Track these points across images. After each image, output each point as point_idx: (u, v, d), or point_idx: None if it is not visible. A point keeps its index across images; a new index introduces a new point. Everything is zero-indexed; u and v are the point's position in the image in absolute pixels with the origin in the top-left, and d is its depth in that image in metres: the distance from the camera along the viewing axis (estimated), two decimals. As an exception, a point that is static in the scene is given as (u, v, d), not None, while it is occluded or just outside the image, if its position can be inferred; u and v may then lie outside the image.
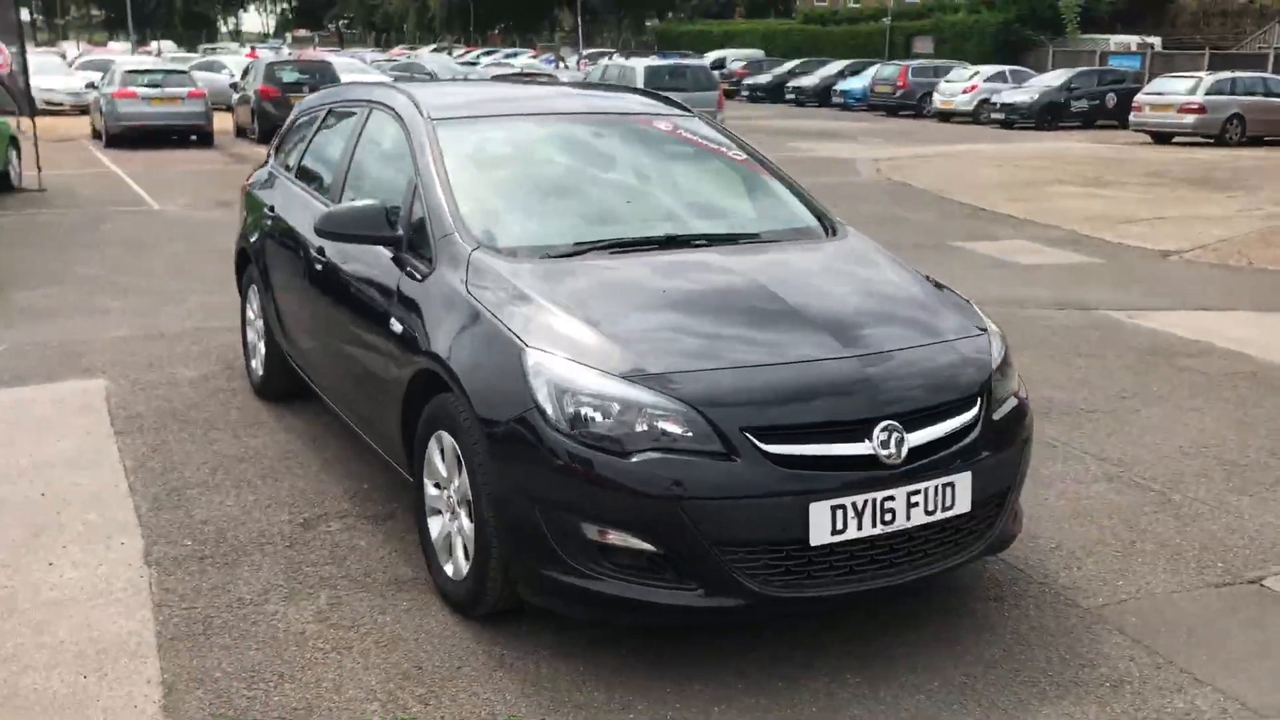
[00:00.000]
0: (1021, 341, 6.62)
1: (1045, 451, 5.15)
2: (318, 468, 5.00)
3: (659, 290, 3.69)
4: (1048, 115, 28.39)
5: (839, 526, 3.19)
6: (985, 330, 3.81)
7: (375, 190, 4.52)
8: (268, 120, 22.28)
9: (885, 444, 3.25)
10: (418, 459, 3.81)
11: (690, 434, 3.15)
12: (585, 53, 50.12)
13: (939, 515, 3.35)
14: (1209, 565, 4.17)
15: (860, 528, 3.22)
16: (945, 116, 31.63)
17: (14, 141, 14.49)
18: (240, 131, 23.21)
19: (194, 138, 21.60)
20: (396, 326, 3.90)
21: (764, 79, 40.75)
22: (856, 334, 3.53)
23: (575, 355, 3.30)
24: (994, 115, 29.05)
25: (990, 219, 13.12)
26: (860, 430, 3.25)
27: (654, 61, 24.86)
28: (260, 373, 5.85)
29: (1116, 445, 5.40)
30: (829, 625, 3.62)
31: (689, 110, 5.01)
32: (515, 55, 50.85)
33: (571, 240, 4.00)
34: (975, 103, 30.71)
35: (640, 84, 19.86)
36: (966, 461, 3.40)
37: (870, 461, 3.23)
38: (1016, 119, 28.49)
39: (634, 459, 3.13)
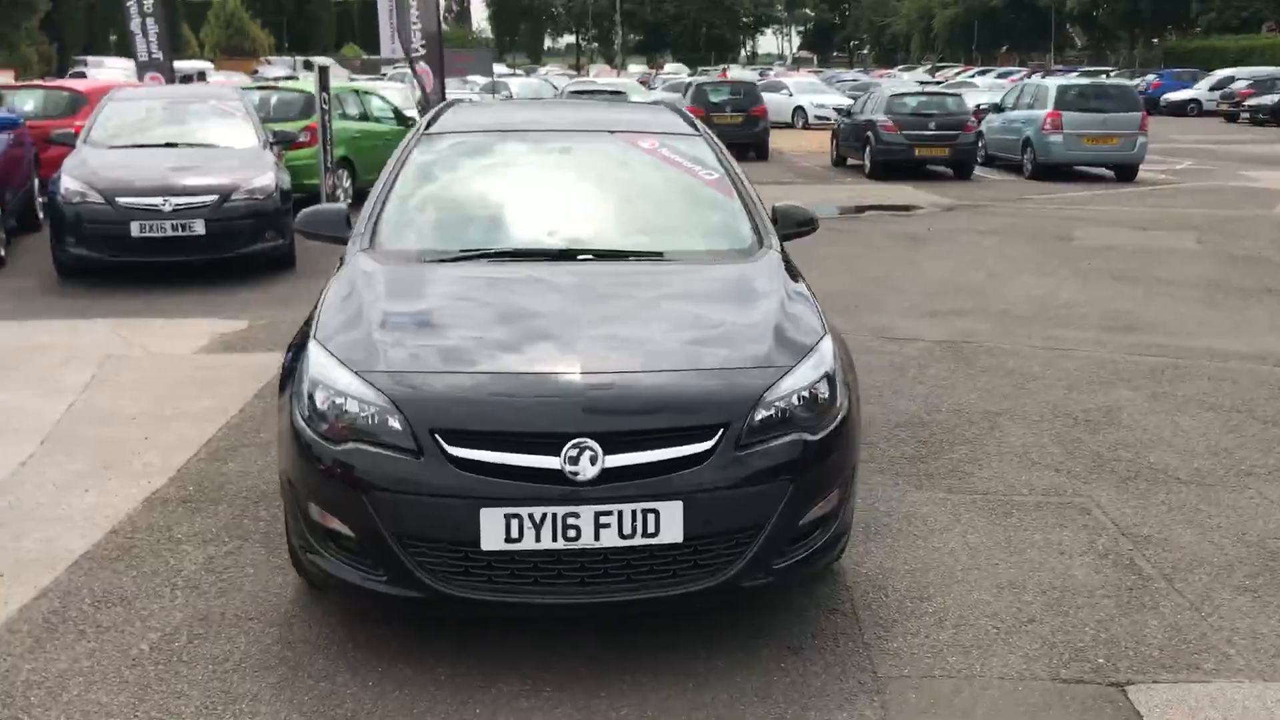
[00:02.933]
0: None
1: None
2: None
3: (472, 297, 3.92)
4: None
5: (513, 535, 3.25)
6: (787, 369, 3.60)
7: None
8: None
9: (575, 461, 3.26)
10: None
11: (387, 431, 3.36)
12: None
13: (639, 541, 3.29)
14: (1080, 660, 3.63)
15: (539, 540, 3.26)
16: None
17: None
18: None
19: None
20: None
21: (1269, 100, 36.44)
22: (609, 355, 3.55)
23: (341, 349, 3.62)
24: None
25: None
26: (553, 445, 3.28)
27: (1069, 81, 23.26)
28: None
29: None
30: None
31: (696, 130, 5.04)
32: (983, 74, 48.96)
33: (459, 248, 4.29)
34: None
35: (1050, 104, 18.79)
36: (680, 492, 3.30)
37: (557, 476, 3.26)
38: None
39: (339, 448, 3.40)
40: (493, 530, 3.26)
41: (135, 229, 9.27)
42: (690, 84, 25.85)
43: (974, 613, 3.93)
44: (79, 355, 7.25)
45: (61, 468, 5.33)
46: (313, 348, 3.67)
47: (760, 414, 3.46)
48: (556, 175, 4.81)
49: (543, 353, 3.57)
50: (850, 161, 20.82)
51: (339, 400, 3.46)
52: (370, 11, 64.89)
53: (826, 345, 3.78)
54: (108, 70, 38.12)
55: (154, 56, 21.97)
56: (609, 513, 3.26)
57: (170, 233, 9.31)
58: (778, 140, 27.81)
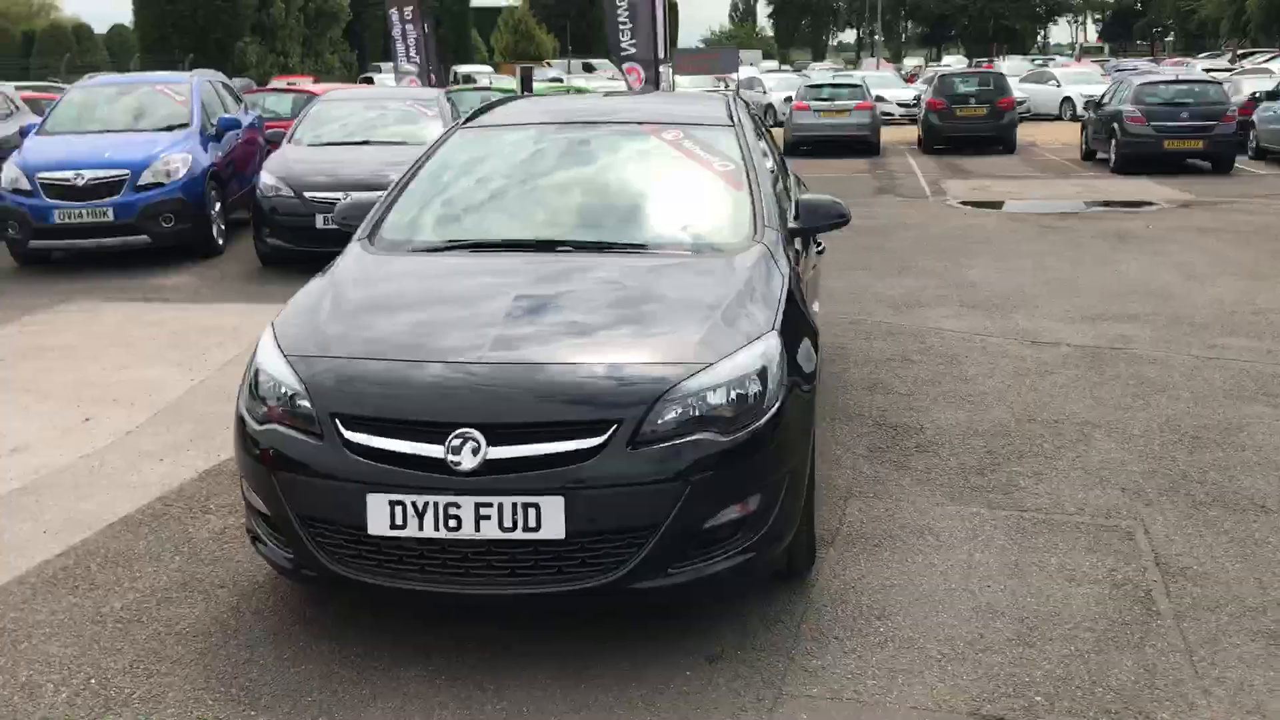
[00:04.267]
0: None
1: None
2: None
3: (423, 287, 3.99)
4: None
5: (398, 521, 3.29)
6: (704, 366, 3.46)
7: None
8: (932, 133, 22.88)
9: (457, 451, 3.26)
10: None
11: (298, 413, 3.48)
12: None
13: (520, 535, 3.25)
14: (1015, 697, 3.30)
15: (422, 528, 3.28)
16: None
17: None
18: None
19: (863, 147, 22.80)
20: None
21: None
22: (524, 344, 3.53)
23: (287, 333, 3.78)
24: None
25: None
26: (438, 434, 3.30)
27: None
28: None
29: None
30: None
31: (731, 122, 4.91)
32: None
33: (448, 239, 4.37)
34: None
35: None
36: (561, 487, 3.24)
37: (439, 465, 3.28)
38: None
39: (260, 429, 3.55)
40: (379, 515, 3.31)
41: (319, 221, 9.89)
42: (936, 76, 24.96)
43: (927, 636, 3.65)
44: (234, 337, 7.83)
45: (157, 438, 5.79)
46: (265, 332, 3.84)
47: (662, 411, 3.35)
48: (566, 168, 4.81)
49: (454, 341, 3.59)
50: (1099, 155, 19.53)
51: (269, 383, 3.61)
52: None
53: (763, 345, 3.61)
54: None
55: (413, 59, 23.37)
56: (489, 505, 3.25)
57: (346, 225, 9.88)
58: (1036, 132, 26.50)
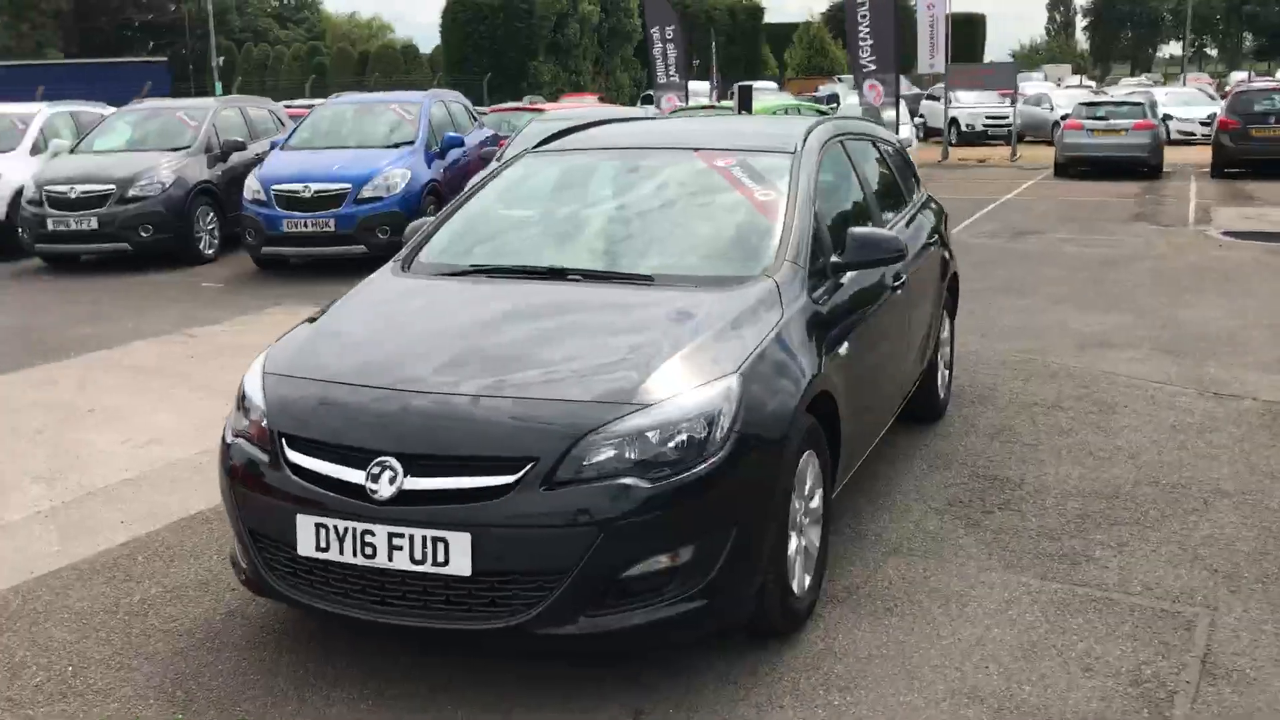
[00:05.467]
0: None
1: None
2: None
3: (415, 311, 4.02)
4: None
5: (323, 544, 3.33)
6: (640, 408, 3.29)
7: None
8: (1222, 155, 21.01)
9: (376, 479, 3.26)
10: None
11: (259, 431, 3.59)
12: None
13: (429, 568, 3.21)
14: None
15: (343, 553, 3.31)
16: None
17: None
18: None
19: (1143, 170, 21.24)
20: None
21: None
22: (467, 375, 3.48)
23: (277, 351, 3.92)
24: None
25: None
26: (361, 460, 3.31)
27: None
28: None
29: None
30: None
31: (792, 150, 4.66)
32: None
33: (470, 263, 4.38)
34: None
35: None
36: (469, 524, 3.18)
37: (359, 492, 3.29)
38: None
39: (231, 442, 3.69)
40: (307, 537, 3.36)
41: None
42: (1232, 92, 22.86)
43: (881, 718, 3.32)
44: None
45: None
46: (263, 352, 3.99)
47: (586, 451, 3.22)
48: (606, 196, 4.73)
49: (404, 369, 3.58)
50: None
51: (244, 400, 3.74)
52: (964, 28, 64.41)
53: (718, 388, 3.40)
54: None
55: (671, 78, 23.73)
56: (401, 536, 3.23)
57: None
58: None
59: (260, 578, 3.54)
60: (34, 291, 11.31)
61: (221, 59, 48.40)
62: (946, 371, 6.41)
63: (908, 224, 5.58)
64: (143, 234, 12.08)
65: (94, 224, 12.02)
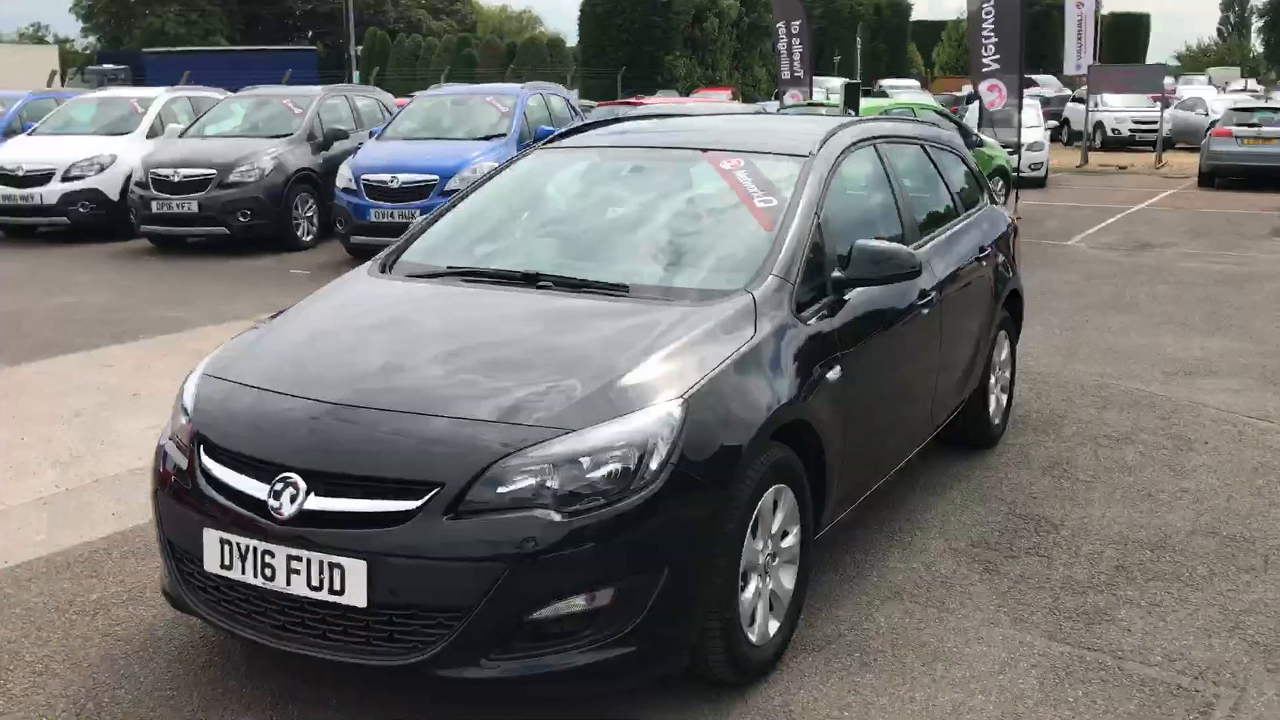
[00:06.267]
0: None
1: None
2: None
3: (366, 315, 3.79)
4: None
5: (226, 561, 3.14)
6: (562, 433, 3.00)
7: None
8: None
9: (278, 495, 3.05)
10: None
11: (182, 434, 3.42)
12: None
13: (325, 596, 2.99)
14: None
15: (244, 572, 3.10)
16: None
17: (1003, 172, 15.62)
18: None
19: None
20: None
21: None
22: (391, 388, 3.24)
23: (220, 351, 3.76)
24: None
25: None
26: (267, 474, 3.10)
27: None
28: None
29: None
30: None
31: (806, 154, 4.28)
32: None
33: (447, 264, 4.14)
34: None
35: None
36: (366, 551, 2.93)
37: (262, 508, 3.08)
38: None
39: (162, 446, 3.53)
40: (212, 552, 3.17)
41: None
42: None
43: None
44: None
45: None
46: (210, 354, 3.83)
47: (497, 478, 2.95)
48: (601, 197, 4.44)
49: (330, 377, 3.35)
50: None
51: (180, 401, 3.58)
52: (1125, 28, 61.75)
53: (655, 415, 3.08)
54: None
55: (795, 75, 23.18)
56: (299, 558, 3.01)
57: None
58: None
59: (177, 591, 3.37)
60: (128, 272, 11.56)
61: (359, 48, 49.51)
62: (1004, 396, 5.92)
63: (952, 237, 5.13)
64: (240, 218, 12.27)
65: (194, 207, 12.25)
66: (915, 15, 61.36)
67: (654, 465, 3.03)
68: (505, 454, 2.97)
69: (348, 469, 3.04)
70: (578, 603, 2.96)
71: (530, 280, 3.88)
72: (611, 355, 3.31)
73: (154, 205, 12.35)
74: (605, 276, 3.87)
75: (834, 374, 3.75)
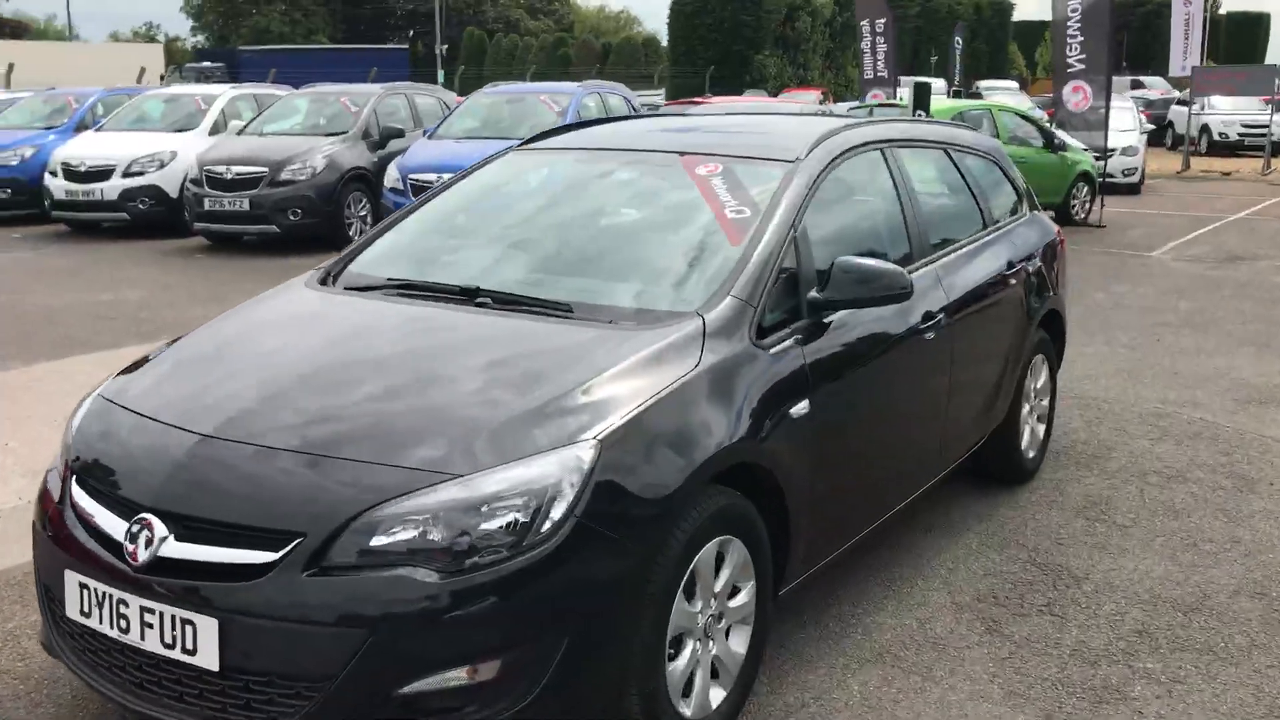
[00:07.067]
0: None
1: None
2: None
3: (277, 331, 3.45)
4: None
5: (85, 608, 2.81)
6: (448, 479, 2.61)
7: None
8: None
9: (134, 538, 2.71)
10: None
11: (60, 465, 3.11)
12: None
13: (178, 655, 2.64)
14: None
15: (101, 621, 2.78)
16: None
17: (1087, 178, 14.86)
18: None
19: None
20: None
21: None
22: (269, 422, 2.87)
23: (122, 373, 3.45)
24: None
25: None
26: (130, 513, 2.76)
27: None
28: None
29: None
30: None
31: (792, 159, 3.82)
32: None
33: (387, 276, 3.77)
34: None
35: None
36: (219, 608, 2.58)
37: (119, 551, 2.74)
38: None
39: (47, 472, 3.22)
40: (73, 596, 2.85)
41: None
42: None
43: None
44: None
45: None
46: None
47: (365, 530, 2.57)
48: (563, 204, 4.05)
49: (212, 403, 3.00)
50: None
51: (67, 426, 3.28)
52: (1243, 28, 59.28)
53: (562, 458, 2.67)
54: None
55: (879, 74, 22.51)
56: (153, 611, 2.67)
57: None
58: None
59: (48, 636, 3.05)
60: (176, 269, 11.49)
61: (445, 46, 49.80)
62: (1040, 427, 5.37)
63: (974, 251, 4.62)
64: (291, 217, 12.14)
65: (246, 205, 12.15)
66: (1018, 15, 59.70)
67: (556, 516, 2.63)
68: (378, 501, 2.59)
69: (207, 512, 2.69)
70: (458, 676, 2.57)
71: (470, 296, 3.49)
72: (526, 387, 2.91)
73: (206, 202, 12.28)
74: (551, 293, 3.47)
75: (799, 409, 3.30)
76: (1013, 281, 4.84)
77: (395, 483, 2.62)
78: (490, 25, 79.53)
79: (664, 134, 4.50)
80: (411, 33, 78.18)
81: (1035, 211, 5.51)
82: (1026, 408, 5.16)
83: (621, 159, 4.14)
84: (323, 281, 3.86)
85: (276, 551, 2.58)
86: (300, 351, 3.26)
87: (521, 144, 4.51)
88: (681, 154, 3.99)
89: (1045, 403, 5.42)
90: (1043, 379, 5.35)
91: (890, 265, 3.56)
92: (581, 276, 3.59)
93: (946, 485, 4.72)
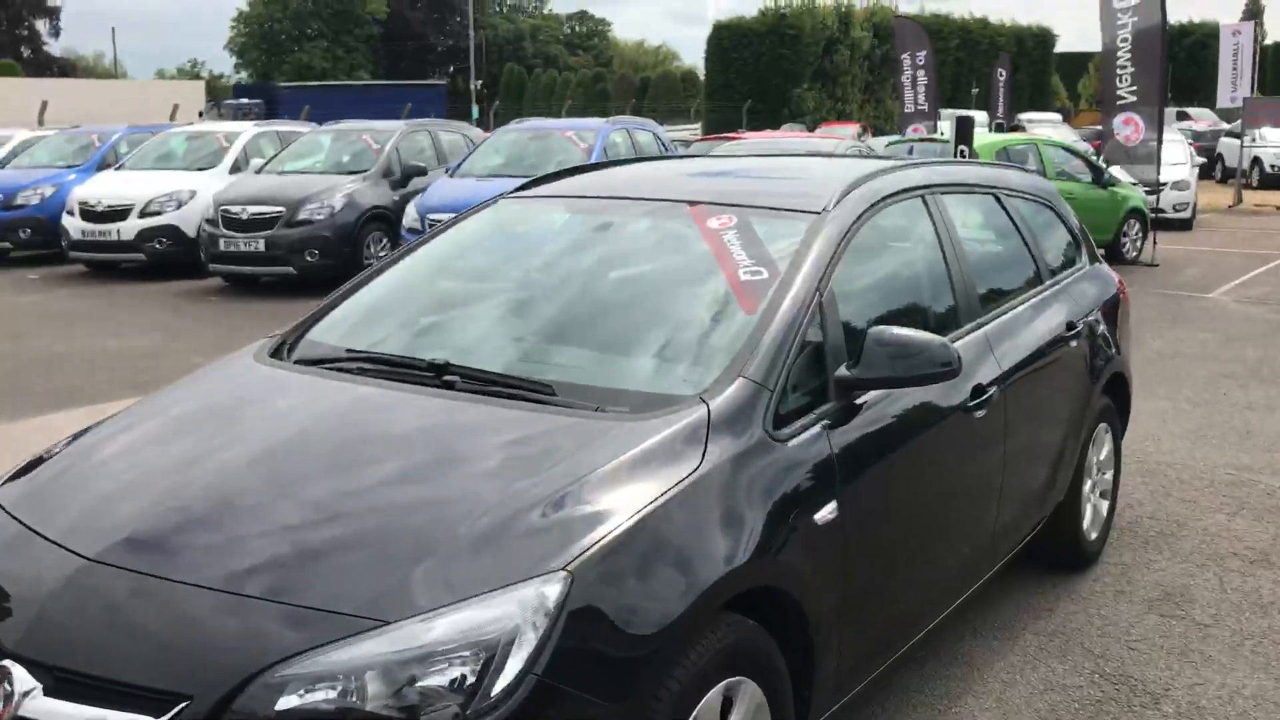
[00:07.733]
0: None
1: None
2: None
3: (233, 424, 2.92)
4: None
5: (-59, 767, 2.30)
6: (381, 624, 2.08)
7: None
8: None
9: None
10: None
11: None
12: None
13: (47, 842, 2.12)
14: None
15: (-45, 785, 2.26)
16: None
17: (1138, 214, 14.20)
18: None
19: None
20: None
21: None
22: (172, 542, 2.36)
23: (20, 469, 2.97)
24: None
25: None
26: (-3, 656, 2.25)
27: None
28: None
29: None
30: None
31: (819, 211, 3.27)
32: None
33: (347, 347, 3.26)
34: None
35: None
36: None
37: (-18, 701, 2.23)
38: None
39: None
40: (-71, 751, 2.33)
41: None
42: None
43: None
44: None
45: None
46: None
47: (268, 692, 2.04)
48: (555, 263, 3.51)
49: (105, 520, 2.48)
50: None
51: None
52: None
53: (520, 597, 2.14)
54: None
55: (920, 107, 21.96)
56: (8, 779, 2.16)
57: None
58: None
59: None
60: (188, 313, 11.11)
61: (480, 83, 49.78)
62: (1104, 504, 4.76)
63: (1029, 311, 4.05)
64: (308, 258, 11.74)
65: (261, 246, 11.77)
66: (1061, 46, 58.93)
67: (513, 670, 2.08)
68: (285, 656, 2.06)
69: (79, 664, 2.17)
70: None
71: (437, 372, 2.96)
72: (483, 500, 2.37)
73: (221, 243, 11.91)
74: (532, 369, 2.94)
75: (826, 513, 2.74)
76: (1073, 344, 4.26)
77: (308, 633, 2.09)
78: (529, 61, 79.89)
79: (674, 179, 3.99)
80: (452, 69, 78.68)
81: (1096, 264, 4.92)
82: (1089, 484, 4.56)
83: (623, 209, 3.61)
84: (275, 352, 3.35)
85: (158, 717, 2.05)
86: (224, 457, 2.70)
87: (515, 191, 4.00)
88: (692, 203, 3.45)
89: (1109, 476, 4.82)
90: (1106, 450, 4.75)
91: (933, 338, 2.99)
92: (569, 347, 3.06)
93: (995, 576, 4.13)
